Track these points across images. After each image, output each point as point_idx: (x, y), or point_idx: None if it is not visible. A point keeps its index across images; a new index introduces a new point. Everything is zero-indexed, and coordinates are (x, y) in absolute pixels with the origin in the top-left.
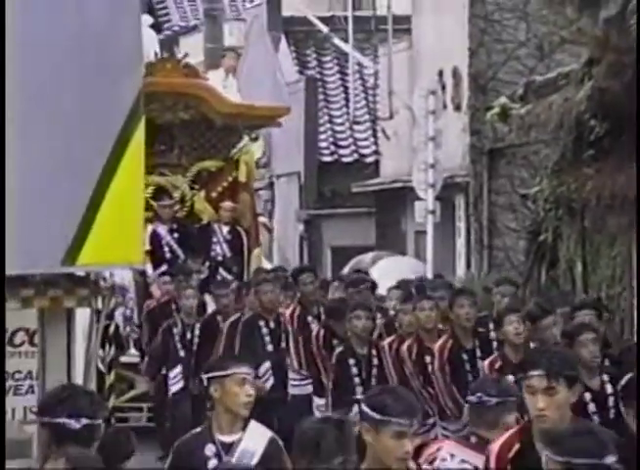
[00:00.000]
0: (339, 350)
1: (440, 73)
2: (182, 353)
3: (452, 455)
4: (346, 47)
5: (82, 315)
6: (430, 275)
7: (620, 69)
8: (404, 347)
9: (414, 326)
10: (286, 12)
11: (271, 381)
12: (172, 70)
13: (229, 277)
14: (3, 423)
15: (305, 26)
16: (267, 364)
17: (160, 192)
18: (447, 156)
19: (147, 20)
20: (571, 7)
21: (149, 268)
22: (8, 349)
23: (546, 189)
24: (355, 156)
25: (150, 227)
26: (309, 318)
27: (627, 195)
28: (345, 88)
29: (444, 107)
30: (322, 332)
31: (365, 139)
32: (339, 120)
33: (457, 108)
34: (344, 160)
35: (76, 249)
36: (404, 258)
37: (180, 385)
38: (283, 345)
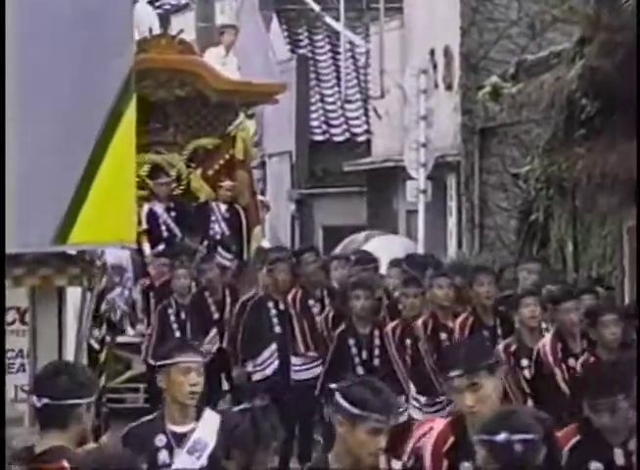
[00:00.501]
0: (340, 329)
1: (432, 52)
2: (178, 334)
3: None
4: (338, 26)
5: (73, 294)
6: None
7: (612, 48)
8: (419, 322)
9: (417, 309)
10: None
11: (276, 364)
12: (167, 46)
13: (228, 256)
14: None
15: (297, 5)
16: (273, 347)
17: (155, 170)
18: (439, 135)
19: None
20: None
21: (146, 248)
22: None
23: (537, 168)
24: (347, 135)
25: (146, 206)
26: (311, 301)
27: (618, 174)
28: (337, 67)
29: (436, 86)
30: (331, 314)
31: (357, 118)
32: (330, 99)
33: (448, 87)
34: (336, 139)
35: (67, 227)
36: (396, 237)
37: None
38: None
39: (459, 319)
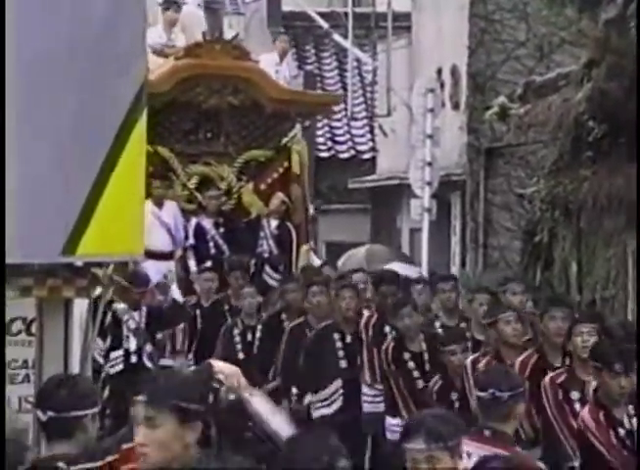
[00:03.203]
0: (391, 344)
1: (439, 72)
2: (241, 356)
3: (469, 454)
4: (346, 43)
5: (79, 306)
6: (425, 273)
7: (620, 71)
8: (481, 364)
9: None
10: (285, 7)
11: (339, 402)
12: (221, 51)
13: (276, 275)
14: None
15: (305, 22)
16: (338, 383)
17: (205, 183)
18: (444, 154)
19: None
20: (571, 8)
21: (192, 264)
22: (5, 337)
23: (543, 189)
24: (352, 152)
25: (194, 220)
26: (387, 328)
27: (624, 197)
28: (344, 84)
29: (443, 105)
30: (392, 344)
31: (362, 136)
32: (336, 116)
33: (455, 106)
34: (341, 156)
35: (76, 239)
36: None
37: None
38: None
39: (521, 357)
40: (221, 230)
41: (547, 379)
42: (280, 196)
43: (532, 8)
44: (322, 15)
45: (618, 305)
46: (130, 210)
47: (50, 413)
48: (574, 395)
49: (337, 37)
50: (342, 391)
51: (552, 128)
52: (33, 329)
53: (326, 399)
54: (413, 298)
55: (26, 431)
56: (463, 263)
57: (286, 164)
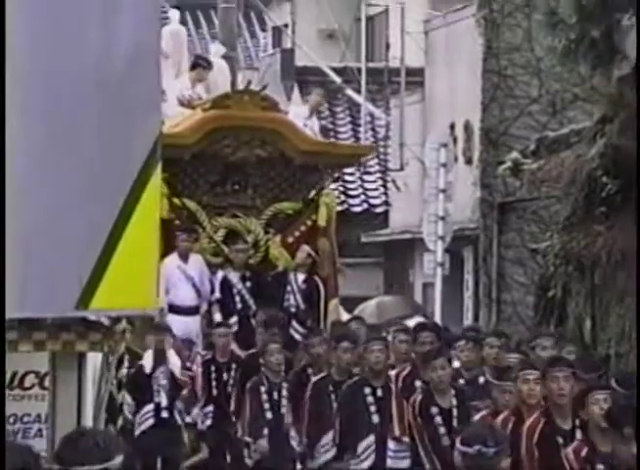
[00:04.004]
0: (419, 397)
1: (452, 127)
2: (269, 415)
3: None
4: (359, 98)
5: (92, 359)
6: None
7: (634, 127)
8: (499, 418)
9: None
10: (299, 62)
11: (372, 459)
12: (250, 102)
13: (302, 330)
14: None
15: (318, 77)
16: (371, 438)
17: (231, 235)
18: (457, 208)
19: (219, 50)
20: (584, 65)
21: (218, 319)
22: (18, 391)
23: (556, 244)
24: (365, 206)
25: (220, 274)
26: (418, 382)
27: (638, 252)
28: (357, 139)
29: (455, 160)
30: (420, 397)
31: (375, 190)
32: (349, 170)
33: (468, 161)
34: (354, 209)
35: (90, 293)
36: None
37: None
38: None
39: (528, 422)
40: (248, 284)
41: (571, 454)
42: (305, 249)
43: (545, 64)
44: (335, 70)
45: (633, 361)
46: (144, 263)
47: (57, 467)
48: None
49: (350, 92)
50: (374, 447)
51: (565, 184)
52: (46, 383)
53: (358, 456)
54: (449, 351)
55: None
56: (476, 318)
57: (314, 216)
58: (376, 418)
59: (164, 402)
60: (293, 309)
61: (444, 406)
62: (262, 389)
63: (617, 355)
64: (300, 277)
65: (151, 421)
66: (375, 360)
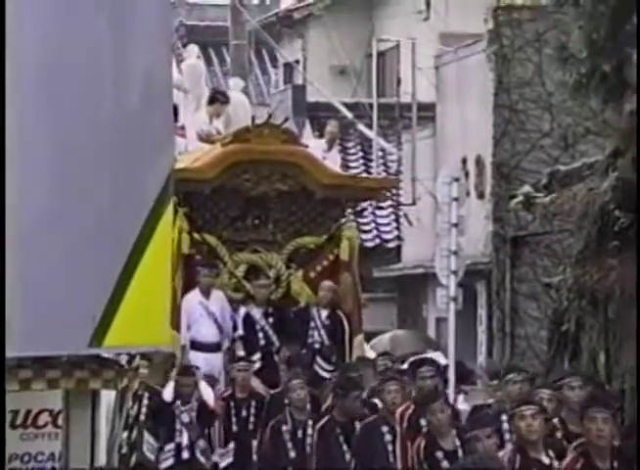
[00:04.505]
0: (423, 442)
1: (464, 161)
2: (292, 455)
3: None
4: (371, 133)
5: (105, 397)
6: (451, 363)
7: None
8: (505, 457)
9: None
10: (310, 97)
11: None
12: (270, 136)
13: (327, 367)
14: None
15: (330, 112)
16: None
17: (253, 271)
18: (470, 243)
19: (238, 83)
20: (595, 99)
21: (241, 354)
22: (31, 430)
23: (569, 278)
24: (377, 241)
25: (242, 310)
26: (423, 421)
27: (638, 277)
28: (369, 173)
29: (468, 194)
30: (422, 443)
31: (387, 224)
32: (362, 205)
33: (480, 195)
34: (367, 244)
35: (103, 330)
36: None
37: None
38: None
39: (566, 461)
40: (270, 320)
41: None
42: (325, 286)
43: (556, 98)
44: (347, 105)
45: None
46: (157, 300)
47: None
48: None
49: (362, 127)
50: None
51: (578, 217)
52: (60, 421)
53: None
54: (446, 391)
55: None
56: (490, 353)
57: (336, 251)
58: (392, 458)
59: (185, 442)
60: (317, 346)
61: (448, 449)
62: (285, 428)
63: (632, 389)
64: (324, 313)
65: (171, 461)
66: (391, 401)
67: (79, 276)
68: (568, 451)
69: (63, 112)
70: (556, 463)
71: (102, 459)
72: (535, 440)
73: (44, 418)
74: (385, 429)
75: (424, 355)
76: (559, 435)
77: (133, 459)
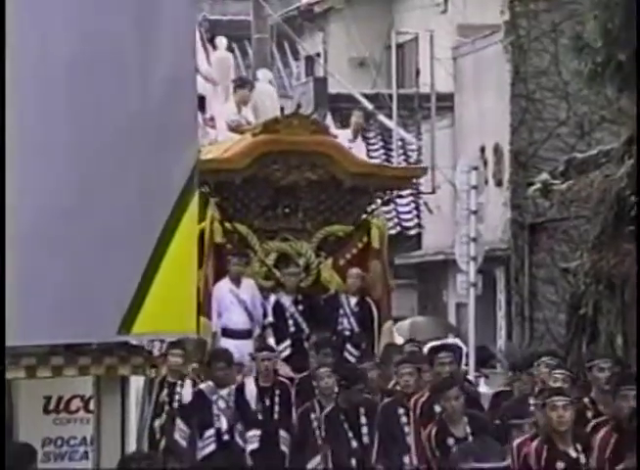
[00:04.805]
0: (434, 429)
1: (482, 150)
2: (320, 442)
3: None
4: (391, 123)
5: (135, 383)
6: (471, 347)
7: None
8: (529, 448)
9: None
10: (332, 89)
11: None
12: (299, 126)
13: (357, 353)
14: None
15: (351, 103)
16: (406, 459)
17: (283, 259)
18: (489, 229)
19: (266, 75)
20: (610, 87)
21: (272, 342)
22: (64, 415)
23: (586, 263)
24: (398, 229)
25: (273, 298)
26: (437, 408)
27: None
28: (389, 163)
29: (486, 182)
30: (434, 430)
31: (408, 212)
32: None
33: (498, 183)
34: (388, 232)
35: (131, 318)
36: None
37: None
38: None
39: (600, 434)
40: (300, 307)
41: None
42: (354, 274)
43: (572, 88)
44: (367, 96)
45: None
46: (183, 289)
47: None
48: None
49: (382, 118)
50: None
51: (594, 204)
52: (91, 406)
53: None
54: (463, 377)
55: None
56: (509, 336)
57: (365, 239)
58: (410, 439)
59: (225, 426)
60: (347, 333)
61: (459, 436)
62: (313, 415)
63: None
64: (353, 300)
65: (212, 447)
66: (404, 384)
67: (108, 266)
68: (597, 432)
69: (90, 109)
70: (582, 457)
71: (132, 443)
72: (564, 431)
73: (76, 404)
74: (401, 411)
75: (442, 341)
76: (589, 414)
77: (162, 444)
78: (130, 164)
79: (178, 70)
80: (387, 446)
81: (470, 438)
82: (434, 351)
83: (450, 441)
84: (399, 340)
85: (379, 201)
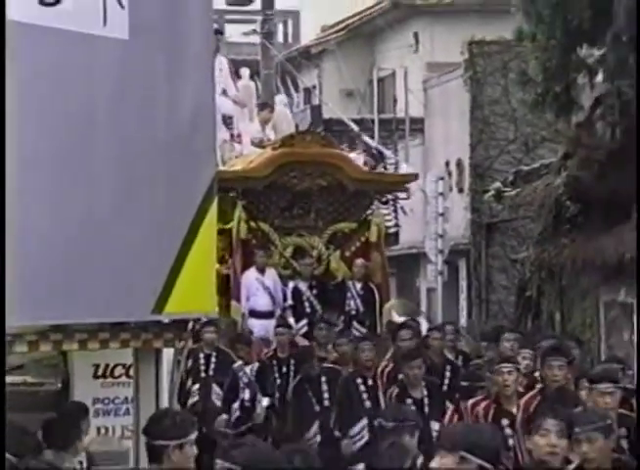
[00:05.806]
0: (396, 390)
1: (447, 164)
2: (317, 409)
3: None
4: (373, 142)
5: (167, 353)
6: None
7: (589, 162)
8: (480, 407)
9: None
10: (325, 115)
11: (366, 438)
12: (311, 141)
13: (362, 330)
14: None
15: (340, 126)
16: (364, 422)
17: (298, 251)
18: (453, 228)
19: (282, 99)
20: (549, 113)
21: (292, 321)
22: (109, 379)
23: (531, 255)
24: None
25: (291, 284)
26: (400, 376)
27: (595, 260)
28: None
29: (450, 190)
30: (395, 391)
31: (388, 214)
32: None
33: (460, 190)
34: None
35: (163, 301)
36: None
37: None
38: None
39: (525, 398)
40: (314, 292)
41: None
42: (358, 263)
43: (519, 113)
44: (354, 121)
45: (593, 347)
46: (205, 276)
47: (145, 439)
48: (504, 422)
49: (366, 138)
50: (368, 428)
51: (537, 207)
52: (131, 373)
53: (354, 436)
54: (424, 350)
55: (127, 454)
56: (469, 315)
57: (366, 234)
58: (368, 404)
59: (247, 397)
60: (353, 312)
61: (417, 397)
62: (359, 380)
63: (579, 342)
64: (358, 285)
65: (238, 413)
66: (365, 358)
67: (145, 259)
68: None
69: (127, 135)
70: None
71: (165, 402)
72: (510, 393)
73: (119, 370)
74: (359, 381)
75: (403, 320)
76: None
77: (189, 402)
78: (162, 179)
79: (200, 106)
80: (347, 410)
81: (426, 399)
82: (397, 328)
83: (409, 401)
84: (397, 318)
85: (377, 202)
